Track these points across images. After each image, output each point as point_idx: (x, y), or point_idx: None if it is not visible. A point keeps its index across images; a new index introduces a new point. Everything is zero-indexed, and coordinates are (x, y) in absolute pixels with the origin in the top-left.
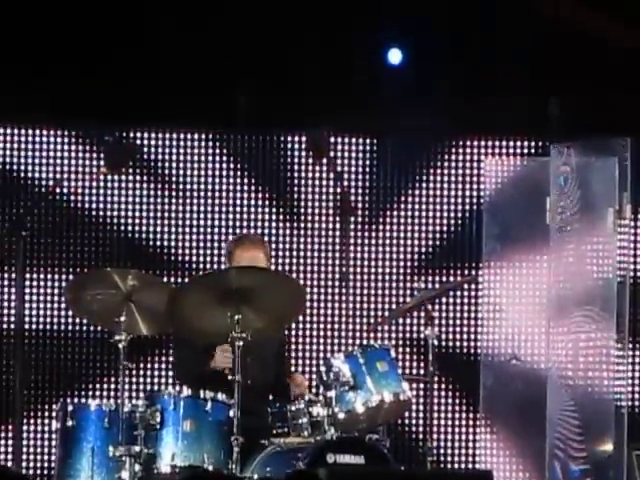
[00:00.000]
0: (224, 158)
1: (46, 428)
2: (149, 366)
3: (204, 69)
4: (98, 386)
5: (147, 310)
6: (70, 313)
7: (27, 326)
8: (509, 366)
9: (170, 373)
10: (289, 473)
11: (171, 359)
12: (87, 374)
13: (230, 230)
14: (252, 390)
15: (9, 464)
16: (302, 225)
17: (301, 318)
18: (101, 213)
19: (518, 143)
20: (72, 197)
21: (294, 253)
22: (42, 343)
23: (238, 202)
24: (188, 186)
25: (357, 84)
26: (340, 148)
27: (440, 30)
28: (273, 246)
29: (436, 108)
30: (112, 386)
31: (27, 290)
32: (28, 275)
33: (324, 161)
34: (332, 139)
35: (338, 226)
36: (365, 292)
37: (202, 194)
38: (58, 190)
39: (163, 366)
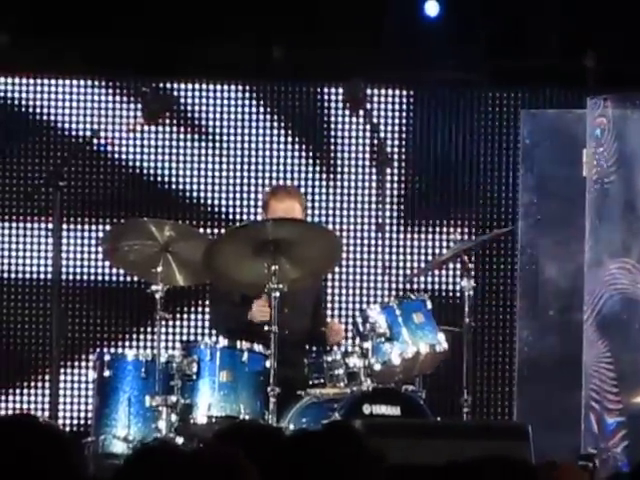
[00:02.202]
0: (260, 109)
1: (83, 378)
2: (185, 317)
3: (239, 20)
4: (135, 336)
5: (184, 261)
6: (107, 264)
7: (64, 277)
8: (545, 318)
9: (207, 324)
10: (325, 424)
11: (208, 312)
12: (124, 324)
13: (266, 181)
14: (289, 341)
15: (46, 414)
16: (338, 176)
17: (337, 269)
18: (137, 164)
19: (554, 95)
20: (109, 148)
21: (330, 204)
22: (79, 293)
23: (274, 153)
24: (224, 137)
25: (393, 36)
26: (376, 100)
27: None
28: (309, 197)
29: (472, 60)
30: (149, 337)
31: (64, 241)
32: (65, 226)
33: (360, 112)
34: (368, 91)
35: (374, 177)
36: (401, 243)
37: (238, 145)
38: (95, 141)
39: (200, 317)
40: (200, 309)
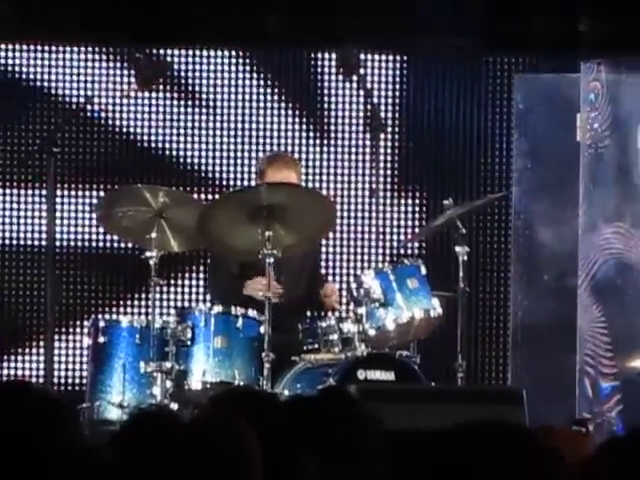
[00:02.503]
0: (254, 75)
1: (77, 345)
2: (180, 282)
3: None
4: (129, 303)
5: (178, 227)
6: (101, 230)
7: (58, 243)
8: (540, 283)
9: (201, 290)
10: (321, 389)
11: (207, 283)
12: (118, 291)
13: (260, 147)
14: (283, 307)
15: (41, 381)
16: (332, 142)
17: (331, 235)
18: (131, 130)
19: (548, 60)
20: (103, 114)
21: (324, 170)
22: (73, 260)
23: (268, 119)
24: (218, 104)
25: (387, 2)
26: (370, 65)
27: None
28: (303, 163)
29: (466, 26)
30: (143, 303)
31: (58, 207)
32: (59, 192)
33: (354, 78)
34: (362, 56)
35: (368, 143)
36: (395, 209)
37: (232, 112)
38: (89, 107)
39: (194, 282)
40: (194, 275)
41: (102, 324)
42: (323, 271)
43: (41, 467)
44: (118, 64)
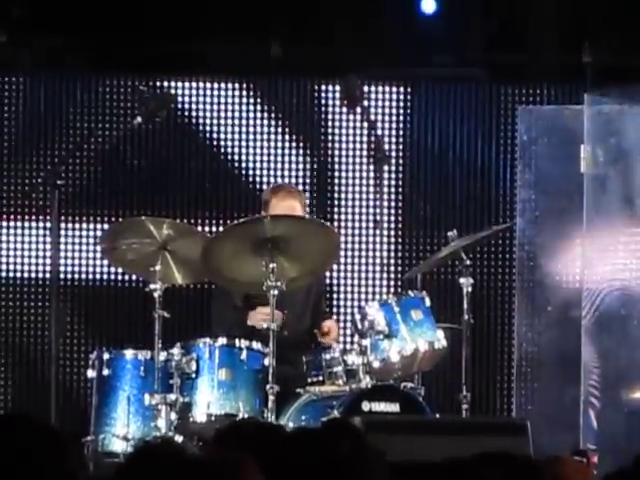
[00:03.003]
0: (258, 107)
1: (82, 377)
2: (184, 315)
3: (237, 18)
4: (133, 335)
5: (182, 259)
6: (105, 262)
7: (62, 276)
8: (544, 314)
9: (205, 322)
10: (325, 421)
11: (210, 316)
12: (122, 323)
13: (264, 179)
14: (288, 339)
15: (46, 414)
16: (336, 173)
17: (335, 266)
18: (136, 162)
19: (552, 91)
20: (107, 146)
21: (328, 202)
22: (77, 293)
23: (272, 151)
24: (222, 135)
25: (390, 33)
26: (374, 97)
27: None
28: (307, 194)
29: (469, 57)
30: (147, 335)
31: (62, 240)
32: (63, 225)
33: (357, 109)
34: (365, 88)
35: (372, 174)
36: (399, 240)
37: (236, 143)
38: (93, 139)
39: (198, 315)
40: (198, 307)
41: (106, 356)
42: (327, 302)
43: None
44: (122, 96)
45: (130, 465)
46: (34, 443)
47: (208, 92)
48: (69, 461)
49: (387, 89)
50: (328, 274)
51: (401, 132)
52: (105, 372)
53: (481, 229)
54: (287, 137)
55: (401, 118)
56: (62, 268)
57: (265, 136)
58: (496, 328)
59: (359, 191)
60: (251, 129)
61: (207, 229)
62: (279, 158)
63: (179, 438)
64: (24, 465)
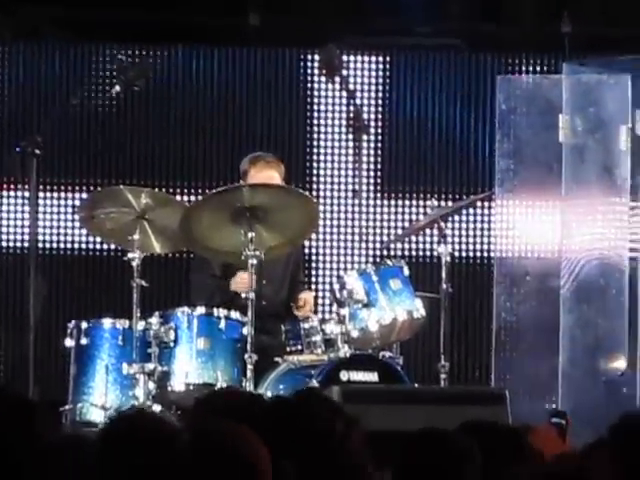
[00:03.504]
0: (236, 76)
1: (60, 346)
2: (162, 284)
3: None
4: (112, 304)
5: (160, 228)
6: (83, 232)
7: (40, 245)
8: (523, 283)
9: (184, 292)
10: (297, 391)
11: (189, 283)
12: (100, 292)
13: (243, 148)
14: (266, 310)
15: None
16: (314, 143)
17: (314, 236)
18: (114, 131)
19: (531, 60)
20: (86, 115)
21: (307, 171)
22: (56, 262)
23: (251, 120)
24: (200, 104)
25: (369, 2)
26: (352, 66)
27: None
28: (286, 164)
29: (448, 27)
30: (125, 304)
31: (41, 209)
32: (42, 194)
33: (336, 79)
34: (344, 57)
35: (351, 144)
36: (378, 210)
37: (214, 112)
38: (71, 108)
39: (177, 284)
40: (177, 277)
41: (84, 326)
42: (306, 272)
43: (8, 467)
44: (101, 65)
45: (104, 436)
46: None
47: (187, 61)
48: (36, 430)
49: (366, 58)
50: (307, 243)
51: (380, 101)
52: (83, 341)
53: (460, 198)
54: (266, 107)
55: (380, 87)
56: (40, 237)
57: (244, 106)
58: (475, 298)
59: (338, 160)
60: (230, 99)
61: (186, 198)
62: (257, 127)
63: (157, 407)
64: None
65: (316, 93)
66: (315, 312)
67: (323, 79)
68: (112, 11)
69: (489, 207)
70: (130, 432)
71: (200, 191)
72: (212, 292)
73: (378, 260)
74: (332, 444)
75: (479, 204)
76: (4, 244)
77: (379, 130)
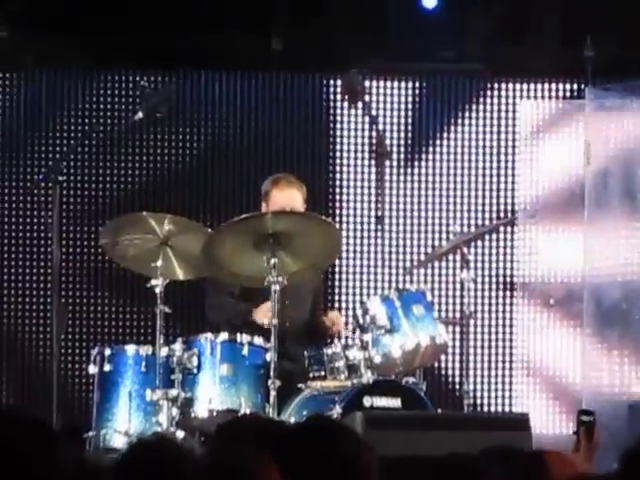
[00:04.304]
0: (259, 100)
1: (83, 373)
2: (185, 310)
3: (238, 11)
4: (135, 331)
5: (183, 254)
6: (107, 258)
7: (64, 271)
8: (546, 308)
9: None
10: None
11: (205, 303)
12: (124, 318)
13: (266, 173)
14: (289, 334)
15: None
16: (337, 168)
17: (337, 262)
18: (137, 157)
19: (553, 85)
20: (108, 142)
21: (330, 196)
22: (79, 288)
23: (274, 144)
24: (224, 129)
25: (392, 27)
26: (375, 92)
27: None
28: (309, 189)
29: (470, 51)
30: (149, 330)
31: (64, 235)
32: (64, 220)
33: (359, 104)
34: (367, 83)
35: (373, 170)
36: (401, 235)
37: (238, 137)
38: (94, 135)
39: (200, 310)
40: (200, 303)
41: (108, 352)
42: (329, 297)
43: None
44: (124, 91)
45: (124, 462)
46: (22, 439)
47: (209, 86)
48: (57, 458)
49: (389, 84)
50: (330, 269)
51: (402, 127)
52: (107, 368)
53: (483, 224)
54: (288, 132)
55: (402, 113)
56: (64, 263)
57: (267, 131)
58: (497, 323)
59: (361, 186)
60: (252, 124)
61: (209, 223)
62: (280, 152)
63: (180, 434)
64: (9, 460)
65: (339, 118)
66: (338, 338)
67: (346, 104)
68: (134, 37)
69: (512, 232)
70: (149, 458)
71: (223, 216)
72: (229, 311)
73: (401, 286)
74: (352, 472)
75: (502, 229)
76: (27, 270)
77: (402, 155)
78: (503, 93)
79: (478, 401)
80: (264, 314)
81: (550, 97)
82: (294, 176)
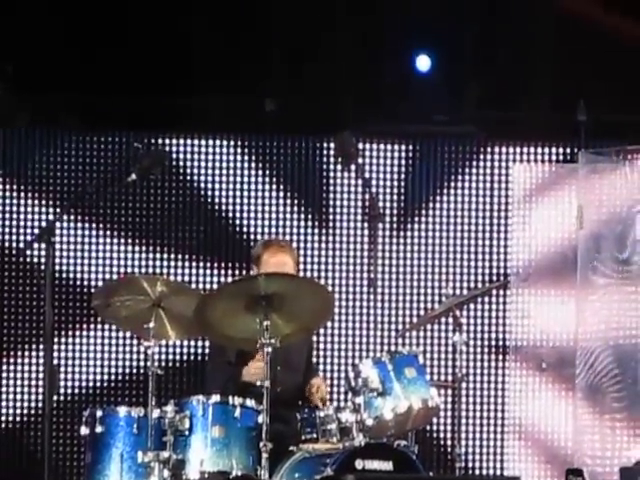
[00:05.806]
0: (252, 164)
1: (75, 434)
2: (178, 372)
3: (230, 74)
4: (127, 392)
5: (176, 316)
6: (99, 319)
7: (56, 332)
8: (538, 372)
9: (199, 379)
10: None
11: (205, 369)
12: (116, 380)
13: (258, 236)
14: (281, 397)
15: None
16: (330, 231)
17: (329, 324)
18: (130, 219)
19: (546, 149)
20: (101, 203)
21: (322, 259)
22: (72, 350)
23: (267, 208)
24: (216, 192)
25: (386, 90)
26: (369, 154)
27: (468, 36)
28: (301, 252)
29: (464, 114)
30: (141, 392)
31: (56, 296)
32: (57, 281)
33: (352, 166)
34: (361, 145)
35: (366, 232)
36: (394, 298)
37: (230, 200)
38: (87, 196)
39: (192, 372)
40: (192, 365)
41: (99, 414)
42: (321, 360)
43: None
44: (116, 154)
45: None
46: None
47: (202, 149)
48: None
49: (382, 146)
50: (322, 331)
51: (395, 190)
52: (98, 429)
53: (475, 287)
54: (282, 194)
55: (396, 176)
56: (56, 325)
57: (260, 193)
58: (489, 386)
59: (354, 248)
60: (245, 186)
61: (202, 285)
62: (274, 215)
63: None
64: None
65: (332, 181)
66: (330, 400)
67: (339, 167)
68: (128, 98)
69: (504, 295)
70: None
71: (217, 278)
72: (226, 381)
73: (393, 348)
74: None
75: (494, 292)
76: (19, 338)
77: (395, 218)
78: (496, 157)
79: (470, 464)
80: (253, 372)
81: (543, 161)
82: (285, 240)
